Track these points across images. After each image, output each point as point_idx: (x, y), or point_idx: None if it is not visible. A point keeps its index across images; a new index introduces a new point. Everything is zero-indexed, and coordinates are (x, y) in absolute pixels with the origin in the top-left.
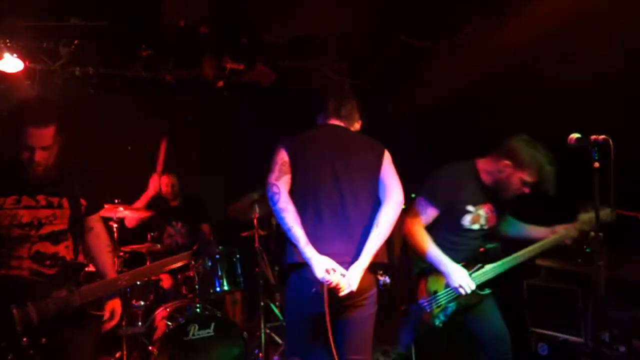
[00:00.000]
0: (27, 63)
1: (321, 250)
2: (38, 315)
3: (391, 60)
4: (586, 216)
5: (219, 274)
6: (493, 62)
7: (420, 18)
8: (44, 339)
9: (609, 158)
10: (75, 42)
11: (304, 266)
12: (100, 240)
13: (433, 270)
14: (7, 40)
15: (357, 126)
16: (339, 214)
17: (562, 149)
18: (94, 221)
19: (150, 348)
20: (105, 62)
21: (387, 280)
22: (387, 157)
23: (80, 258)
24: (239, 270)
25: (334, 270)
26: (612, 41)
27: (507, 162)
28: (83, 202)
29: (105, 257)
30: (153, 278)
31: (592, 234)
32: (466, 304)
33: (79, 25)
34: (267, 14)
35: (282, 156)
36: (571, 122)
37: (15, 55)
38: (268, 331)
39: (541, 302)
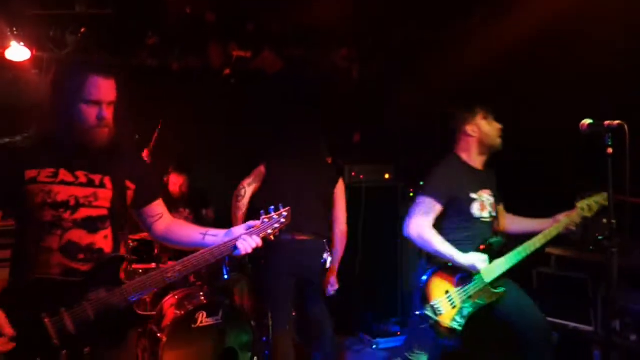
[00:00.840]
0: (34, 51)
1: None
2: (75, 324)
3: (400, 47)
4: (583, 203)
5: (227, 261)
6: (502, 50)
7: (429, 5)
8: (87, 349)
9: (623, 144)
10: (82, 30)
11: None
12: (175, 220)
13: (440, 269)
14: (14, 29)
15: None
16: (304, 204)
17: (575, 135)
18: (160, 206)
19: (159, 335)
20: (112, 50)
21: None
22: (341, 183)
23: (122, 251)
24: (247, 258)
25: None
26: (628, 25)
27: (466, 126)
28: (129, 184)
29: (193, 230)
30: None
31: (605, 221)
32: (483, 304)
33: (85, 13)
34: (273, 1)
35: (260, 169)
36: (584, 108)
37: (22, 43)
38: None
39: (551, 290)
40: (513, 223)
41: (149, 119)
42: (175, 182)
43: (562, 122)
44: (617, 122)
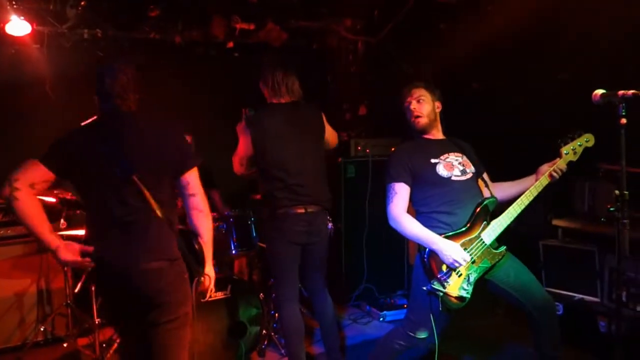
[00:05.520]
0: (34, 26)
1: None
2: None
3: (407, 17)
4: (568, 147)
5: (234, 236)
6: (517, 18)
7: None
8: None
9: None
10: (82, 3)
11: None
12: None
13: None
14: (14, 2)
15: (297, 94)
16: (301, 171)
17: (588, 106)
18: None
19: None
20: (114, 23)
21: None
22: (324, 117)
23: None
24: (254, 233)
25: None
26: None
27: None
28: None
29: None
30: None
31: (616, 192)
32: (487, 266)
33: None
34: None
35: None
36: (599, 79)
37: (22, 17)
38: None
39: (557, 262)
40: (498, 191)
41: (155, 93)
42: None
43: (577, 91)
44: (631, 91)
